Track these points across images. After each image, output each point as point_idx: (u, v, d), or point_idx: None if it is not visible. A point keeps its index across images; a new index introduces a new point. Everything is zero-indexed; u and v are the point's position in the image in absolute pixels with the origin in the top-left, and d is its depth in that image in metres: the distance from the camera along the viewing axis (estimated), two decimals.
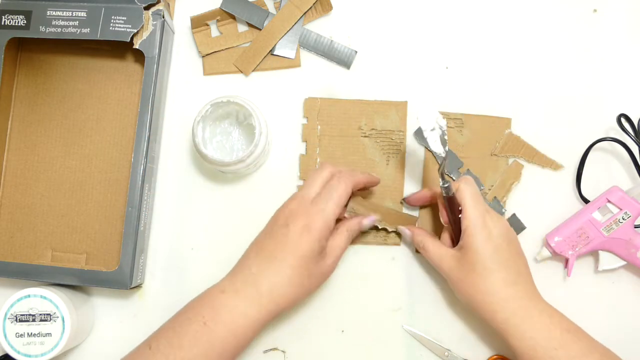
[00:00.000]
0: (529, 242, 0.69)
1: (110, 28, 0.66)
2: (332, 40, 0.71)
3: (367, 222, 0.65)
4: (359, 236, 0.69)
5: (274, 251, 0.59)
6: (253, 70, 0.71)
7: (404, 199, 0.69)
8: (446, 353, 0.67)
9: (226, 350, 0.58)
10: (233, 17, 0.72)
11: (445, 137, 0.62)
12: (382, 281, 0.69)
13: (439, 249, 0.63)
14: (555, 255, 0.67)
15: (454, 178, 0.69)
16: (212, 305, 0.59)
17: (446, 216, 0.64)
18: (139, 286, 0.69)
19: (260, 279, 0.59)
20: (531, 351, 0.58)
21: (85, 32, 0.66)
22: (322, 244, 0.60)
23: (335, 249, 0.62)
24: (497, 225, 0.61)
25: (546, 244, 0.67)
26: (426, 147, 0.70)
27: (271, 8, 0.72)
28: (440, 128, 0.62)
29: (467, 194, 0.61)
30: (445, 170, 0.62)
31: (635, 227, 0.66)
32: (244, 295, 0.58)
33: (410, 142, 0.70)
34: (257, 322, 0.58)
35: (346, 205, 0.65)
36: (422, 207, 0.70)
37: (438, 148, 0.62)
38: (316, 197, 0.61)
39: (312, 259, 0.59)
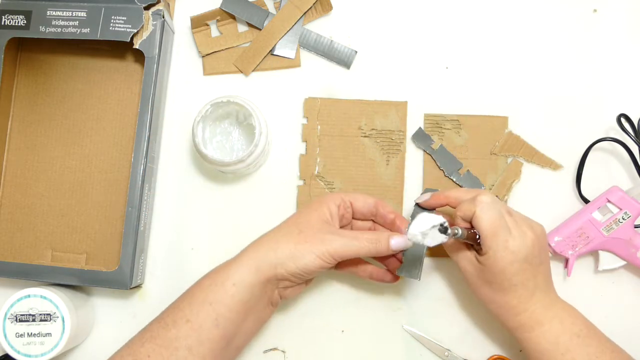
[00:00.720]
0: None
1: (110, 28, 0.66)
2: (332, 40, 0.71)
3: (395, 241, 0.59)
4: None
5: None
6: (253, 70, 0.71)
7: (417, 204, 0.64)
8: (446, 353, 0.67)
9: (207, 301, 0.58)
10: (233, 17, 0.72)
11: (446, 225, 0.53)
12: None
13: (459, 248, 0.61)
14: (555, 255, 0.67)
15: (454, 179, 0.70)
16: (218, 266, 0.62)
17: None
18: (139, 286, 0.69)
19: (251, 243, 0.61)
20: (538, 354, 0.59)
21: (85, 32, 0.66)
22: (323, 211, 0.60)
23: (345, 236, 0.59)
24: (521, 247, 0.57)
25: None
26: (424, 150, 0.70)
27: (271, 8, 0.72)
28: (440, 225, 0.53)
29: (484, 223, 0.57)
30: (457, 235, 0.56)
31: (635, 227, 0.66)
32: (236, 257, 0.61)
33: (411, 141, 0.71)
34: (235, 272, 0.58)
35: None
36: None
37: (439, 239, 0.53)
38: None
39: (304, 221, 0.60)
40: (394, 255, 0.63)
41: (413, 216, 0.59)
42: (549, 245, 0.67)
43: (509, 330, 0.62)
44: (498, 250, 0.57)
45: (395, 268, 0.63)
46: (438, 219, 0.53)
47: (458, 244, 0.61)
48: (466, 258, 0.61)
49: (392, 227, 0.63)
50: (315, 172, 0.70)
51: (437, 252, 0.69)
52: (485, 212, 0.57)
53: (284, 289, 0.61)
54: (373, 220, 0.65)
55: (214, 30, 0.72)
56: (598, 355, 0.58)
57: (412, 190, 0.70)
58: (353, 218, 0.64)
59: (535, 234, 0.59)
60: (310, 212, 0.61)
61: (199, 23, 0.71)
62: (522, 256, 0.57)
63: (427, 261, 0.69)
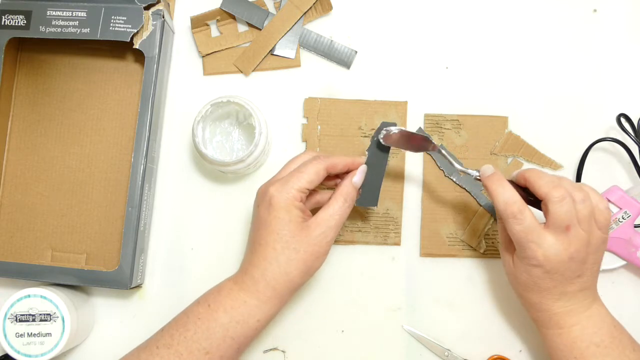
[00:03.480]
0: None
1: (110, 28, 0.66)
2: (332, 40, 0.71)
3: (357, 177, 0.61)
4: (359, 236, 0.69)
5: (256, 237, 0.60)
6: (253, 70, 0.71)
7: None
8: (446, 353, 0.67)
9: (228, 336, 0.58)
10: (233, 17, 0.72)
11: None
12: (382, 281, 0.69)
13: (503, 248, 0.62)
14: None
15: (454, 179, 0.69)
16: (219, 292, 0.60)
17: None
18: (139, 286, 0.69)
19: (252, 267, 0.59)
20: (552, 350, 0.60)
21: (85, 32, 0.66)
22: (292, 214, 0.58)
23: (327, 218, 0.59)
24: (552, 259, 0.57)
25: None
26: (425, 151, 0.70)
27: (271, 8, 0.72)
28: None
29: (518, 228, 0.57)
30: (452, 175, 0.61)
31: (635, 227, 0.66)
32: (244, 286, 0.59)
33: None
34: (259, 310, 0.59)
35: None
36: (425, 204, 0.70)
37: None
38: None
39: (288, 232, 0.58)
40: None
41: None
42: None
43: (531, 319, 0.63)
44: (525, 257, 0.58)
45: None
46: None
47: (505, 246, 0.62)
48: (507, 257, 0.61)
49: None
50: None
51: (436, 252, 0.69)
52: (512, 226, 0.57)
53: None
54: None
55: (214, 30, 0.72)
56: None
57: (412, 190, 0.70)
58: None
59: (583, 248, 0.57)
60: (285, 223, 0.58)
61: (199, 23, 0.71)
62: (551, 267, 0.57)
63: (427, 262, 0.69)
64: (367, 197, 0.63)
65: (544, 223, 0.58)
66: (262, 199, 0.60)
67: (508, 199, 0.58)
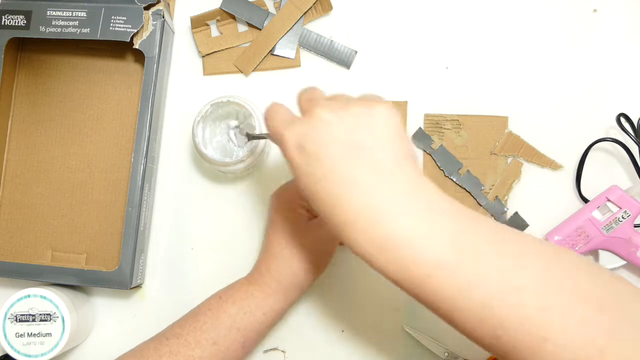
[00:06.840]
0: None
1: (110, 28, 0.66)
2: (332, 40, 0.71)
3: None
4: None
5: (266, 236, 0.63)
6: (253, 70, 0.71)
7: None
8: (446, 353, 0.67)
9: (234, 327, 0.59)
10: (233, 17, 0.72)
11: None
12: (382, 281, 0.69)
13: None
14: None
15: (454, 179, 0.69)
16: (232, 286, 0.63)
17: None
18: (139, 286, 0.69)
19: (260, 263, 0.62)
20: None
21: (85, 32, 0.66)
22: (295, 213, 0.60)
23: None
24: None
25: None
26: (424, 150, 0.70)
27: (271, 8, 0.72)
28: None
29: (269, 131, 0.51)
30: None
31: (635, 227, 0.66)
32: (252, 280, 0.62)
33: (410, 141, 0.71)
34: (264, 303, 0.60)
35: None
36: None
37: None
38: None
39: (291, 230, 0.60)
40: None
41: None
42: None
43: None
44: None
45: None
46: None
47: None
48: None
49: None
50: None
51: None
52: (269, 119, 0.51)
53: None
54: None
55: (214, 30, 0.72)
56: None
57: None
58: None
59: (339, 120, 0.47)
60: (290, 221, 0.60)
61: (199, 23, 0.71)
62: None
63: None
64: None
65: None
66: (271, 199, 0.63)
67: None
